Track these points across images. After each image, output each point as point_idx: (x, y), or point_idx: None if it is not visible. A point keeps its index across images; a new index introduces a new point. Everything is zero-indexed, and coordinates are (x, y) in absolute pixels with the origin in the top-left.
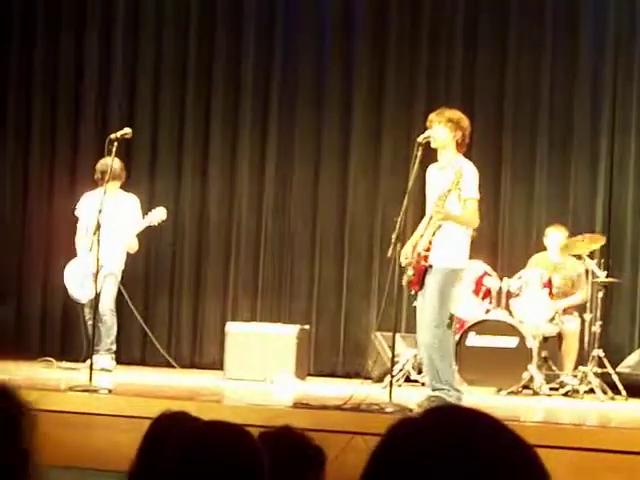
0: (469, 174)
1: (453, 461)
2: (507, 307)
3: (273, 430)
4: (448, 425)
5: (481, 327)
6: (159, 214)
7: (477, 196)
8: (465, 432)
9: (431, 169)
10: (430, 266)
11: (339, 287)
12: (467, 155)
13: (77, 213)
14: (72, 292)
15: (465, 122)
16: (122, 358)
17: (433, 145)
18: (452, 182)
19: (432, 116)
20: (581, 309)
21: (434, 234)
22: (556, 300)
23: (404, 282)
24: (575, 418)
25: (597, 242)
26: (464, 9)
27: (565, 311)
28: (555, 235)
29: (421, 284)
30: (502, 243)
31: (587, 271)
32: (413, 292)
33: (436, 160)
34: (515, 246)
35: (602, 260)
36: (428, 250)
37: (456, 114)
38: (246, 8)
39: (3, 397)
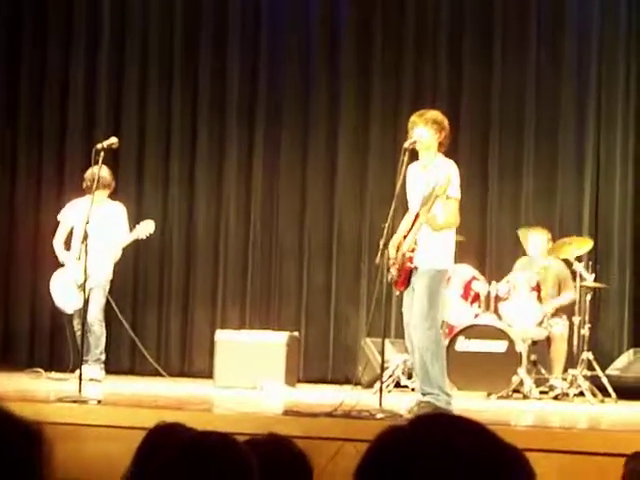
0: (451, 174)
1: (440, 469)
2: (496, 311)
3: (259, 438)
4: (435, 433)
5: (470, 332)
6: (147, 227)
7: (458, 196)
8: (452, 440)
9: (412, 168)
10: (415, 268)
11: (328, 294)
12: (453, 159)
13: (60, 217)
14: (58, 302)
15: (447, 122)
16: (111, 368)
17: (418, 147)
18: (441, 188)
19: (415, 118)
20: (570, 312)
21: (417, 234)
22: (545, 302)
23: (389, 279)
24: (565, 421)
25: (585, 245)
26: (449, 19)
27: (554, 314)
28: (537, 237)
29: (406, 284)
30: (490, 248)
31: (574, 272)
32: (398, 292)
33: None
34: (503, 250)
35: (590, 263)
36: (413, 251)
37: (439, 115)
38: (231, 19)
39: (20, 428)
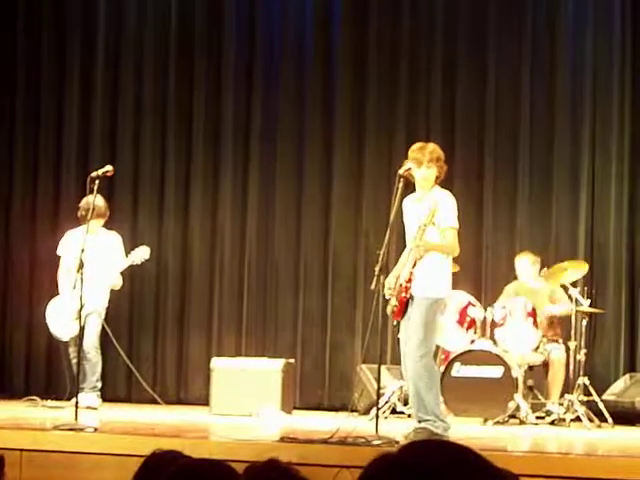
0: (447, 204)
1: None
2: (492, 337)
3: (259, 464)
4: (426, 459)
5: (466, 358)
6: (142, 253)
7: (456, 225)
8: (442, 466)
9: (407, 201)
10: (412, 297)
11: (323, 320)
12: (449, 186)
13: (59, 252)
14: (53, 330)
15: (443, 156)
16: (107, 396)
17: (420, 184)
18: (427, 217)
19: (417, 155)
20: (566, 337)
21: (414, 265)
22: (540, 328)
23: (388, 311)
24: (562, 447)
25: (580, 268)
26: (442, 44)
27: (550, 339)
28: (522, 261)
29: (403, 314)
30: (485, 273)
31: (570, 297)
32: (395, 322)
33: (415, 191)
34: (498, 276)
35: (585, 288)
36: (409, 281)
37: (438, 151)
38: (225, 46)
39: None
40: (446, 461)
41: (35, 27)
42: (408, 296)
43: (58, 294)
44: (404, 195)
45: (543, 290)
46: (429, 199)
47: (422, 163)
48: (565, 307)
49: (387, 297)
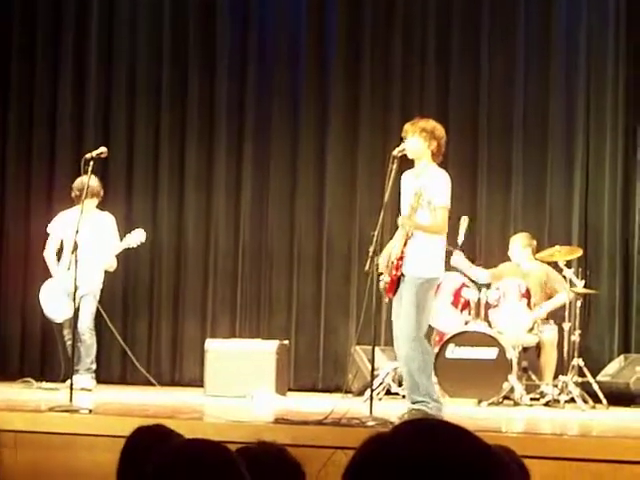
0: (440, 183)
1: (424, 474)
2: (486, 318)
3: (251, 446)
4: (418, 438)
5: (460, 339)
6: (138, 236)
7: (448, 205)
8: (434, 445)
9: (406, 175)
10: (403, 275)
11: (318, 302)
12: (443, 166)
13: (49, 229)
14: (47, 311)
15: (440, 131)
16: (102, 377)
17: (409, 156)
18: (414, 200)
19: (407, 126)
20: (560, 318)
21: (406, 243)
22: (538, 307)
23: (381, 287)
24: (556, 428)
25: (574, 254)
26: (436, 21)
27: (543, 320)
28: (515, 242)
29: (395, 291)
30: (479, 255)
31: (564, 277)
32: (387, 300)
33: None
34: (492, 258)
35: (579, 269)
36: (401, 259)
37: (430, 123)
38: (219, 26)
39: None
40: (439, 440)
41: (30, 11)
42: (399, 274)
43: (52, 276)
44: (401, 173)
45: (537, 273)
46: (425, 177)
47: (408, 133)
48: (559, 299)
49: (380, 271)
